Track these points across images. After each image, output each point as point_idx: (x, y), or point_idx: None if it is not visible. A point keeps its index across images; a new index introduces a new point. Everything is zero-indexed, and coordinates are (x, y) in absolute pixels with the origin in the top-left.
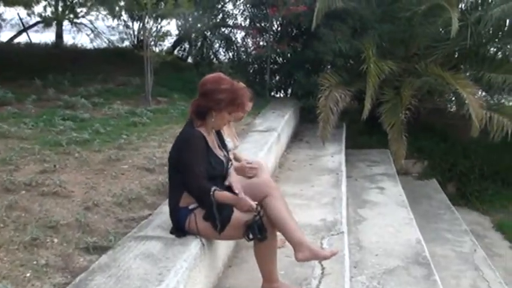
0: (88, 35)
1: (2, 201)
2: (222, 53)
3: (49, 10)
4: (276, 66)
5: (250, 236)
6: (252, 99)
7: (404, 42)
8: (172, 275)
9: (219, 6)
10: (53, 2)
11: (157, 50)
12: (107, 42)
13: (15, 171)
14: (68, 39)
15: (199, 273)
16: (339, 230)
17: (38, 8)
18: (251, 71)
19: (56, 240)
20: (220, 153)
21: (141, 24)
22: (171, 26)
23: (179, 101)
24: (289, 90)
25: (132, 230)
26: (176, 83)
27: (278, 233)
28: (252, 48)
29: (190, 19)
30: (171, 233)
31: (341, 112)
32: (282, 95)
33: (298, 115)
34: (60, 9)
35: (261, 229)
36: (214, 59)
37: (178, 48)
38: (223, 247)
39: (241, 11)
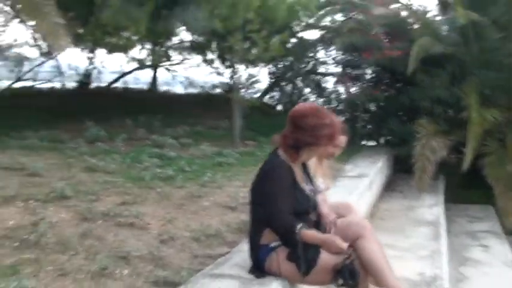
0: (181, 82)
1: (77, 229)
2: (312, 100)
3: (144, 53)
4: (368, 114)
5: (340, 282)
6: (345, 133)
7: (507, 90)
8: None
9: (311, 54)
10: (149, 47)
11: (247, 95)
12: (200, 88)
13: (96, 202)
14: (163, 86)
15: None
16: (441, 286)
17: (134, 53)
18: (342, 118)
19: (125, 271)
20: (307, 188)
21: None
22: (262, 73)
23: (266, 144)
24: (382, 139)
25: (207, 267)
26: (264, 127)
27: None
28: (343, 95)
29: (281, 66)
30: (250, 272)
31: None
32: (374, 143)
33: (391, 164)
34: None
35: (353, 274)
36: None
37: (268, 95)
38: None
39: (332, 57)
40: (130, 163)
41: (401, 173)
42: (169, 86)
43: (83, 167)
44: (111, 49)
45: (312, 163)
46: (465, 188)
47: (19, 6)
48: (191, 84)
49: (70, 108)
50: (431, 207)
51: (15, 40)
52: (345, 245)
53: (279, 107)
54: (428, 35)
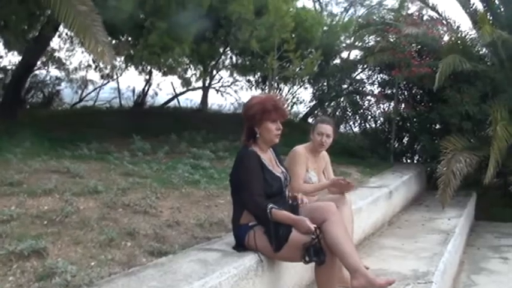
0: (232, 104)
1: (98, 214)
2: (351, 119)
3: (193, 74)
4: (402, 132)
5: (307, 259)
6: (285, 104)
7: None
8: (215, 276)
9: (353, 74)
10: (199, 70)
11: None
12: None
13: (122, 196)
14: (214, 106)
15: (253, 286)
16: (428, 280)
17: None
18: (378, 136)
19: (129, 244)
20: (277, 170)
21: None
22: (305, 94)
23: None
24: (416, 157)
25: (200, 244)
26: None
27: None
28: (377, 113)
29: (325, 87)
30: (233, 248)
31: (471, 180)
32: (408, 161)
33: (423, 181)
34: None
35: (318, 253)
36: (343, 125)
37: (312, 115)
38: (293, 275)
39: (369, 77)
40: (164, 170)
41: (432, 190)
42: (221, 107)
43: (120, 172)
44: (164, 71)
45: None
46: (500, 206)
47: (74, 28)
48: (240, 105)
49: (122, 126)
50: (451, 219)
51: (80, 64)
52: (312, 227)
53: None
54: (458, 52)
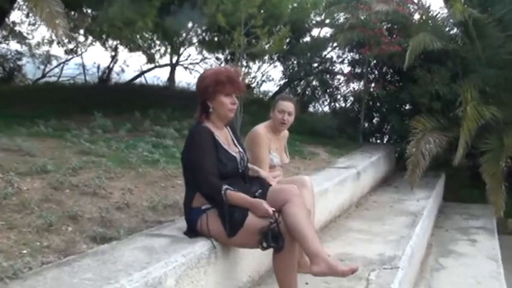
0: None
1: (42, 196)
2: (321, 98)
3: (157, 51)
4: (372, 112)
5: (264, 245)
6: (241, 75)
7: (509, 88)
8: (160, 265)
9: (323, 53)
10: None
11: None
12: None
13: (72, 176)
14: (182, 83)
15: (205, 275)
16: (395, 265)
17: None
18: (348, 116)
19: (70, 228)
20: (233, 149)
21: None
22: (275, 72)
23: None
24: (386, 137)
25: (149, 229)
26: None
27: None
28: (347, 92)
29: (294, 64)
30: (185, 233)
31: (441, 161)
32: (378, 141)
33: (392, 162)
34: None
35: (276, 238)
36: (312, 105)
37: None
38: (251, 261)
39: (339, 55)
40: (124, 148)
41: (401, 171)
42: (189, 85)
43: (76, 150)
44: (130, 47)
45: (274, 143)
46: (469, 188)
47: None
48: None
49: (85, 102)
50: (419, 200)
51: (43, 39)
52: (270, 210)
53: None
54: (429, 30)
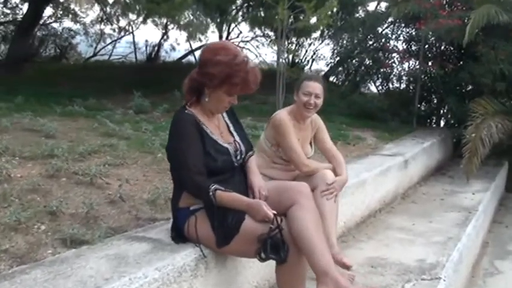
0: (252, 60)
1: (30, 185)
2: (373, 78)
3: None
4: (428, 93)
5: (263, 255)
6: (258, 79)
7: None
8: (120, 284)
9: (378, 29)
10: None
11: (309, 71)
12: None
13: (79, 162)
14: None
15: None
16: (435, 276)
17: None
18: (401, 97)
19: (43, 227)
20: (226, 139)
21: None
22: (326, 50)
23: None
24: (442, 121)
25: (134, 230)
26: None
27: None
28: (401, 72)
29: (345, 41)
30: (171, 237)
31: (503, 148)
32: (434, 126)
33: (448, 148)
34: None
35: (278, 247)
36: (364, 86)
37: (334, 73)
38: (258, 270)
39: (394, 31)
40: (152, 130)
41: (458, 158)
42: None
43: (101, 132)
44: (179, 24)
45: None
46: None
47: None
48: (261, 62)
49: (130, 81)
50: (476, 193)
51: (98, 17)
52: (270, 213)
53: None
54: (494, 1)
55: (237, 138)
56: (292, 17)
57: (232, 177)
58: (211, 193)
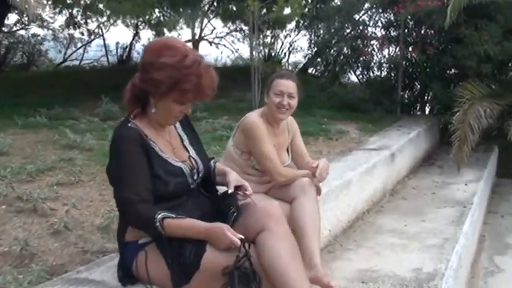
0: (228, 56)
1: None
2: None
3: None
4: (411, 80)
5: None
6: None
7: None
8: None
9: (355, 16)
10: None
11: (287, 64)
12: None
13: (28, 183)
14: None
15: None
16: (435, 287)
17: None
18: (383, 86)
19: None
20: (179, 156)
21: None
22: (303, 41)
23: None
24: (428, 108)
25: (77, 269)
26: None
27: None
28: (382, 59)
29: (322, 31)
30: (119, 279)
31: (492, 132)
32: (419, 113)
33: (436, 136)
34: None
35: (248, 279)
36: (344, 76)
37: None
38: None
39: (371, 17)
40: None
41: (446, 145)
42: (217, 61)
43: (62, 144)
44: (149, 24)
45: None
46: None
47: None
48: (238, 58)
49: (100, 86)
50: (468, 184)
51: (67, 21)
52: (236, 239)
53: None
54: None
55: (193, 153)
56: (265, 8)
57: (187, 201)
58: (157, 223)
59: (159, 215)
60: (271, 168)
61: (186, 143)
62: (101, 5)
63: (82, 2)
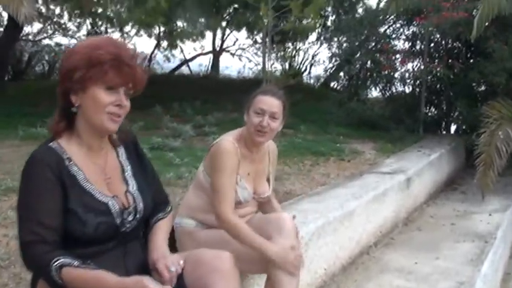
0: (251, 69)
1: None
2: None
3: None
4: (435, 97)
5: None
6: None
7: None
8: None
9: (379, 29)
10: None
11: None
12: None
13: None
14: (232, 72)
15: None
16: None
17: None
18: (405, 102)
19: None
20: (113, 190)
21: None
22: (323, 54)
23: (304, 133)
24: (453, 127)
25: None
26: (312, 114)
27: None
28: (405, 74)
29: (345, 45)
30: None
31: None
32: (444, 132)
33: (460, 158)
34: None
35: None
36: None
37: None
38: None
39: (394, 30)
40: None
41: (472, 169)
42: (239, 73)
43: None
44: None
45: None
46: None
47: None
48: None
49: None
50: (493, 214)
51: (91, 31)
52: None
53: None
54: None
55: (133, 188)
56: (280, 18)
57: (114, 249)
58: (53, 272)
59: (57, 262)
60: (218, 205)
61: (128, 174)
62: (110, 14)
63: (93, 10)
